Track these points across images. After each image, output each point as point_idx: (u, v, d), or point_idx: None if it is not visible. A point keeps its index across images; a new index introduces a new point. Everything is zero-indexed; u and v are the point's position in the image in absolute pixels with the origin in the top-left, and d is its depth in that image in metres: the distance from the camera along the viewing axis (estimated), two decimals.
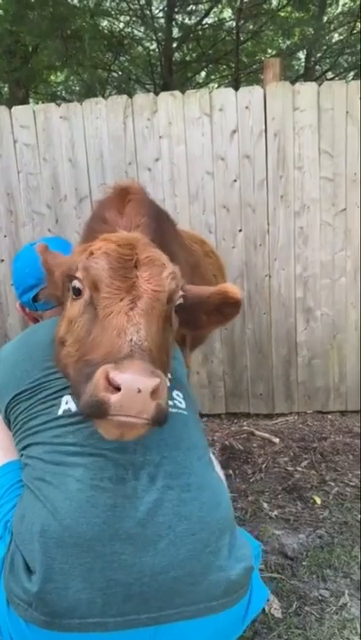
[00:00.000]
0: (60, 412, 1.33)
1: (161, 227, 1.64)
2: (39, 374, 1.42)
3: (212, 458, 1.50)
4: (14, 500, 1.34)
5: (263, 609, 1.77)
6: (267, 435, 3.35)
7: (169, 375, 1.49)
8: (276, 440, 3.27)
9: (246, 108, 3.39)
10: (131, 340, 1.04)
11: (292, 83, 3.45)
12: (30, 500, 1.25)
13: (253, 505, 2.51)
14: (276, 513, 2.44)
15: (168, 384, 1.45)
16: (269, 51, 9.09)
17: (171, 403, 1.40)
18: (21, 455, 1.40)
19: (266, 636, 1.68)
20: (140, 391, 0.94)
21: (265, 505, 2.51)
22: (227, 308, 1.35)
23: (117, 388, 0.95)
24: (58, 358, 1.34)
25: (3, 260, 3.72)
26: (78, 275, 1.23)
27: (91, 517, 1.16)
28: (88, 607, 1.11)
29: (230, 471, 2.86)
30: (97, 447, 1.25)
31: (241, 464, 2.98)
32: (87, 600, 1.11)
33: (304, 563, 2.06)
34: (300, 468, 2.89)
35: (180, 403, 1.44)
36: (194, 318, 1.38)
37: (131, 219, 1.61)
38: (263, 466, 2.93)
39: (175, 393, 1.46)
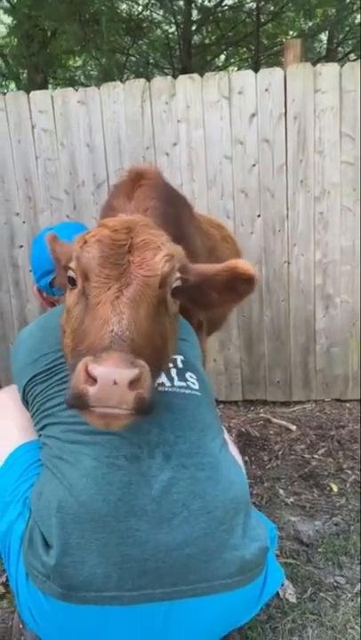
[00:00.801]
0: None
1: (174, 210, 1.62)
2: (55, 357, 1.43)
3: (228, 439, 1.50)
4: (33, 478, 1.37)
5: (278, 594, 1.78)
6: (284, 422, 3.34)
7: (180, 358, 1.49)
8: (293, 427, 3.25)
9: (266, 90, 3.32)
10: (112, 330, 1.03)
11: (314, 64, 3.36)
12: (48, 478, 1.27)
13: (269, 491, 2.51)
14: (291, 500, 2.43)
15: (177, 366, 1.46)
16: (291, 32, 8.89)
17: (184, 384, 1.41)
18: (39, 435, 1.42)
19: (280, 620, 1.69)
20: (115, 383, 0.94)
21: (281, 491, 2.51)
22: (240, 285, 1.31)
23: (96, 380, 0.95)
24: (62, 348, 1.35)
25: (22, 246, 3.75)
26: (72, 265, 1.22)
27: (106, 494, 1.18)
28: (104, 581, 1.14)
29: (246, 457, 2.86)
30: None
31: (257, 451, 2.98)
32: (103, 574, 1.14)
33: (320, 549, 2.06)
34: (316, 456, 2.88)
35: (194, 384, 1.45)
36: (204, 297, 1.36)
37: (139, 203, 1.60)
38: (280, 453, 2.92)
39: (188, 374, 1.46)
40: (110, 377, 0.94)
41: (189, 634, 1.22)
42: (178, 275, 1.23)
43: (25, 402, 1.53)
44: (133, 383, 0.96)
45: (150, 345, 1.11)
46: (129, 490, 1.19)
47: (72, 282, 1.23)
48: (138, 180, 1.67)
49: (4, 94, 3.69)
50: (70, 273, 1.22)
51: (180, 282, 1.24)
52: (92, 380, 0.95)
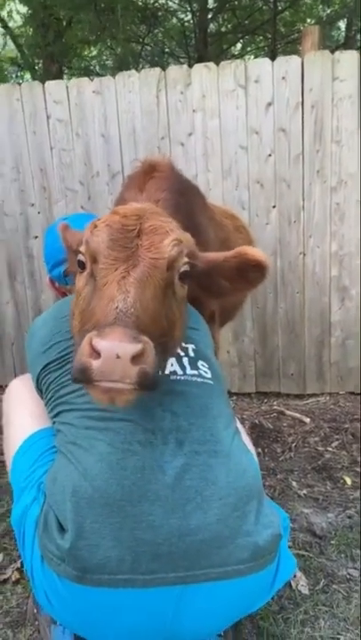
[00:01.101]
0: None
1: (186, 201, 1.62)
2: (67, 344, 1.45)
3: (240, 428, 1.50)
4: (47, 464, 1.38)
5: (290, 585, 1.78)
6: (297, 414, 3.32)
7: (191, 347, 1.50)
8: (307, 420, 3.24)
9: (283, 78, 3.27)
10: (117, 307, 1.05)
11: (332, 52, 3.30)
12: (63, 463, 1.29)
13: (282, 483, 2.51)
14: (305, 492, 2.43)
15: (189, 355, 1.46)
16: (308, 20, 8.76)
17: (196, 372, 1.42)
18: (53, 422, 1.44)
19: (292, 611, 1.69)
20: (118, 357, 0.95)
21: (294, 483, 2.50)
22: (251, 272, 1.32)
23: (100, 354, 0.96)
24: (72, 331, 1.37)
25: (37, 237, 3.76)
26: (81, 248, 1.24)
27: (120, 479, 1.20)
28: (118, 564, 1.15)
29: (259, 449, 2.86)
30: (126, 413, 1.28)
31: (270, 443, 2.97)
32: (117, 557, 1.15)
33: (332, 542, 2.05)
34: (330, 449, 2.86)
35: (206, 373, 1.45)
36: (214, 284, 1.37)
37: (150, 195, 1.61)
38: (293, 445, 2.91)
39: (200, 363, 1.47)
40: (113, 350, 0.95)
41: (202, 618, 1.23)
42: (186, 260, 1.24)
43: (39, 390, 1.55)
44: (136, 358, 0.97)
45: (156, 325, 1.12)
46: (143, 475, 1.21)
47: (82, 265, 1.25)
48: (150, 172, 1.69)
49: (20, 84, 3.69)
50: (80, 257, 1.25)
51: (188, 267, 1.26)
52: (96, 353, 0.97)
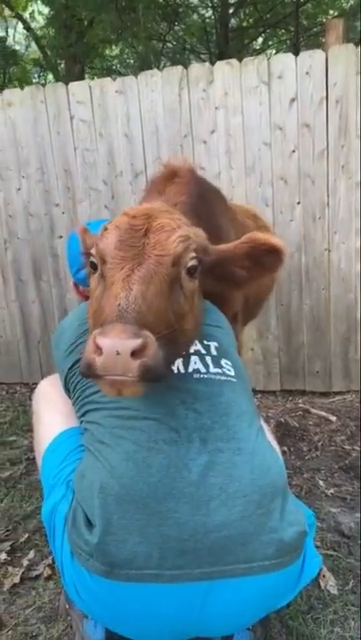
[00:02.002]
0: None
1: (206, 204, 1.64)
2: None
3: (264, 426, 1.51)
4: (75, 462, 1.42)
5: (319, 585, 1.77)
6: (323, 413, 3.29)
7: (214, 344, 1.51)
8: (333, 418, 3.21)
9: (307, 73, 3.24)
10: (119, 304, 1.09)
11: (356, 45, 3.25)
12: (90, 461, 1.32)
13: (309, 482, 2.49)
14: (332, 491, 2.41)
15: (211, 353, 1.47)
16: (331, 12, 8.62)
17: (219, 370, 1.44)
18: (81, 422, 1.47)
19: (322, 611, 1.68)
20: (118, 353, 0.99)
21: (321, 483, 2.48)
22: (266, 258, 1.34)
23: (102, 351, 1.01)
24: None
25: (61, 237, 3.81)
26: (92, 251, 1.29)
27: (147, 477, 1.22)
28: (145, 559, 1.18)
29: (285, 448, 2.85)
30: (151, 411, 1.31)
31: (296, 441, 2.96)
32: (144, 553, 1.18)
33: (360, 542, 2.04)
34: (357, 447, 2.83)
35: (229, 370, 1.46)
36: (231, 275, 1.40)
37: (169, 198, 1.64)
38: (319, 444, 2.89)
39: (224, 361, 1.48)
40: (113, 347, 1.00)
41: (227, 614, 1.25)
42: (193, 255, 1.27)
43: (67, 390, 1.59)
44: (137, 352, 1.01)
45: (161, 319, 1.15)
46: (168, 473, 1.22)
47: (94, 267, 1.29)
48: (171, 177, 1.72)
49: (44, 86, 3.73)
50: (92, 259, 1.29)
51: (196, 261, 1.28)
52: (99, 350, 1.01)
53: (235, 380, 1.45)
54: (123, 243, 1.22)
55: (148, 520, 1.19)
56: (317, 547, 1.98)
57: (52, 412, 1.65)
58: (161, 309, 1.16)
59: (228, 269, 1.39)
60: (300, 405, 3.46)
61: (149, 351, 1.03)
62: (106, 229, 1.28)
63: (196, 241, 1.29)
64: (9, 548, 2.07)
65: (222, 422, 1.32)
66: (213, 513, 1.20)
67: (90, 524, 1.25)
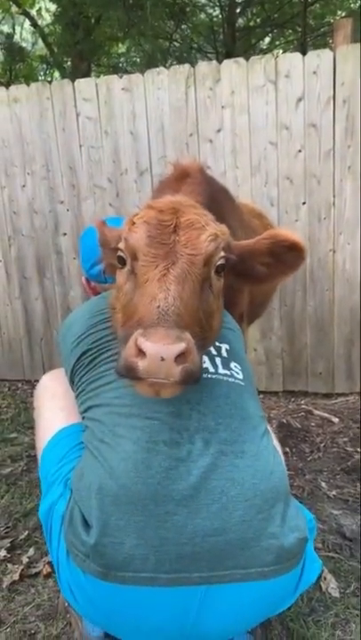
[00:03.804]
0: (118, 375, 1.36)
1: (217, 205, 1.62)
2: (103, 334, 1.48)
3: (270, 430, 1.49)
4: (74, 461, 1.40)
5: (320, 587, 1.76)
6: (326, 414, 3.28)
7: (225, 347, 1.50)
8: (336, 420, 3.19)
9: (314, 73, 3.22)
10: (159, 306, 1.08)
11: None
12: (89, 460, 1.30)
13: (311, 484, 2.48)
14: (334, 493, 2.40)
15: (222, 355, 1.46)
16: (339, 12, 8.59)
17: (228, 372, 1.42)
18: (83, 418, 1.45)
19: (323, 613, 1.67)
20: (163, 359, 0.99)
21: (323, 484, 2.47)
22: (287, 255, 1.34)
23: (145, 354, 1.01)
24: (113, 324, 1.40)
25: (65, 234, 3.80)
26: (121, 246, 1.28)
27: (146, 478, 1.20)
28: (142, 562, 1.16)
29: (287, 449, 2.83)
30: (154, 410, 1.29)
31: (298, 442, 2.94)
32: (141, 555, 1.16)
33: None
34: (359, 450, 2.82)
35: (238, 374, 1.45)
36: (250, 271, 1.39)
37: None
38: (321, 445, 2.88)
39: (233, 364, 1.46)
40: (158, 353, 0.99)
41: (224, 619, 1.23)
42: (222, 254, 1.27)
43: (71, 382, 1.56)
44: (180, 357, 1.01)
45: (195, 320, 1.15)
46: (168, 475, 1.20)
47: (122, 262, 1.28)
48: (182, 177, 1.70)
49: (50, 83, 3.72)
50: (120, 253, 1.28)
51: (224, 260, 1.28)
52: (142, 354, 1.01)
53: (242, 383, 1.43)
54: (153, 239, 1.21)
55: (146, 522, 1.17)
56: (319, 549, 1.97)
57: (53, 407, 1.64)
58: (195, 310, 1.16)
59: (248, 265, 1.38)
60: (303, 406, 3.45)
61: (191, 355, 1.03)
62: (133, 223, 1.26)
63: (224, 239, 1.29)
64: (9, 545, 2.06)
65: (226, 424, 1.30)
66: (213, 517, 1.18)
67: (87, 524, 1.23)
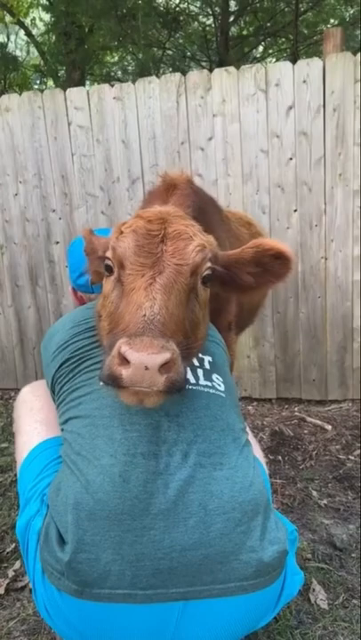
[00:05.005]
0: (102, 382, 1.35)
1: (204, 217, 1.62)
2: (85, 342, 1.47)
3: (253, 441, 1.48)
4: (52, 475, 1.37)
5: (309, 599, 1.74)
6: (318, 421, 3.27)
7: (208, 359, 1.49)
8: (329, 427, 3.18)
9: (304, 81, 3.24)
10: (144, 315, 1.08)
11: (355, 53, 3.25)
12: (66, 474, 1.28)
13: (302, 492, 2.46)
14: (325, 502, 2.38)
15: (204, 367, 1.45)
16: (331, 20, 8.66)
17: (209, 384, 1.42)
18: (62, 430, 1.43)
19: (311, 626, 1.65)
20: (147, 368, 0.99)
21: (314, 493, 2.45)
22: (274, 264, 1.34)
23: (129, 363, 1.01)
24: (97, 331, 1.40)
25: (58, 242, 3.80)
26: (108, 254, 1.28)
27: (122, 492, 1.18)
28: (118, 578, 1.14)
29: (279, 457, 2.82)
30: (133, 422, 1.27)
31: (291, 450, 2.93)
32: (117, 572, 1.14)
33: (353, 554, 2.00)
34: (352, 457, 2.80)
35: (219, 386, 1.44)
36: (237, 281, 1.39)
37: None
38: (314, 453, 2.86)
39: (215, 376, 1.46)
40: (142, 363, 0.99)
41: (202, 635, 1.20)
42: (209, 264, 1.27)
43: (52, 391, 1.54)
44: (164, 367, 1.01)
45: (180, 329, 1.15)
46: (145, 488, 1.19)
47: (109, 270, 1.29)
48: (171, 189, 1.71)
49: (42, 92, 3.73)
50: (107, 262, 1.29)
51: (211, 270, 1.29)
52: (126, 362, 1.00)
53: (223, 395, 1.42)
54: (141, 248, 1.22)
55: (123, 537, 1.15)
56: (308, 559, 1.95)
57: (31, 421, 1.61)
58: (180, 319, 1.16)
59: (235, 275, 1.39)
60: (296, 414, 3.44)
61: (175, 365, 1.03)
62: (121, 232, 1.27)
63: (211, 250, 1.30)
64: None
65: (205, 436, 1.29)
66: (191, 530, 1.16)
67: (63, 541, 1.20)
